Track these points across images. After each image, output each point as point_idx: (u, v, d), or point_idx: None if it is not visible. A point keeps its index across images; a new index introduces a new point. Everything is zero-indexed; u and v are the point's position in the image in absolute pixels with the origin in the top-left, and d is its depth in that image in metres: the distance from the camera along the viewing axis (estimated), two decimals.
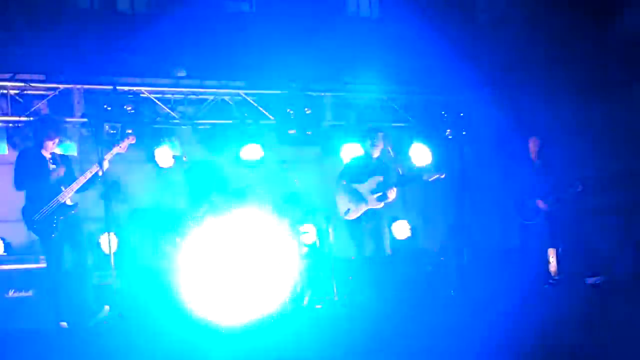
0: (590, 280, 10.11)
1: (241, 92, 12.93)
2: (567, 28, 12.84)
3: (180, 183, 12.33)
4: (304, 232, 11.94)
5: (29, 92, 11.79)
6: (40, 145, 9.11)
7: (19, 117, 11.55)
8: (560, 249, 10.70)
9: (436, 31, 12.86)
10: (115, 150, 9.29)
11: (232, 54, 12.33)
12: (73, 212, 9.04)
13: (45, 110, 11.83)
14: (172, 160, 12.18)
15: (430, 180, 10.03)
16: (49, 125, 9.21)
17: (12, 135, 11.58)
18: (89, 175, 9.06)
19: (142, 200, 12.21)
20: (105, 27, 11.38)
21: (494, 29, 13.25)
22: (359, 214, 9.99)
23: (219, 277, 10.87)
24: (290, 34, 12.42)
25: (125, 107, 11.93)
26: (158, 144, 12.23)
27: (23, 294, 9.43)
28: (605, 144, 12.96)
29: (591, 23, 12.40)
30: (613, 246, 11.56)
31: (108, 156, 9.21)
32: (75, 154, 11.69)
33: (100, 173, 9.11)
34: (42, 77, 11.93)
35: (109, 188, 9.24)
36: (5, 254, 10.05)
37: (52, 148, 9.13)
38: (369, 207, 9.99)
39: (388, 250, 10.07)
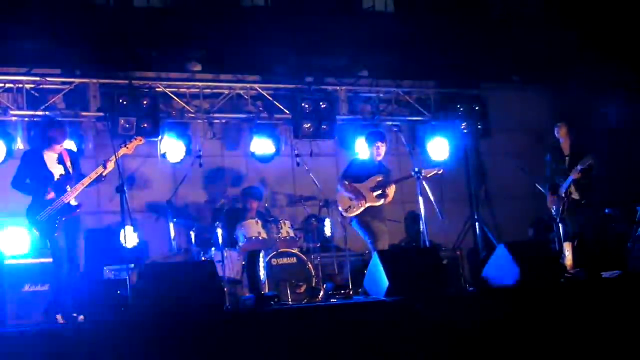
0: (607, 275, 10.03)
1: (257, 86, 12.94)
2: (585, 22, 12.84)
3: (196, 177, 12.35)
4: (319, 227, 11.94)
5: (45, 86, 11.84)
6: (46, 147, 9.13)
7: (35, 111, 11.59)
8: (576, 243, 10.64)
9: (451, 25, 12.83)
10: (122, 151, 9.26)
11: (248, 48, 12.33)
12: (76, 212, 9.05)
13: (61, 105, 11.89)
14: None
15: (428, 177, 10.00)
16: (58, 129, 9.22)
17: (28, 129, 11.63)
18: (94, 176, 9.06)
19: (157, 194, 12.23)
20: (121, 22, 11.39)
21: (508, 22, 13.22)
22: (359, 212, 10.01)
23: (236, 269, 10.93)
24: (306, 28, 12.40)
25: (140, 101, 11.96)
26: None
27: (39, 288, 9.45)
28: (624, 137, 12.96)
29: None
30: (630, 240, 11.51)
31: (114, 158, 9.21)
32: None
33: (104, 174, 9.12)
34: (57, 71, 11.98)
35: (125, 182, 9.22)
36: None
37: (58, 150, 9.16)
38: (369, 204, 10.01)
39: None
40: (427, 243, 9.92)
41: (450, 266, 11.84)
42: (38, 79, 11.73)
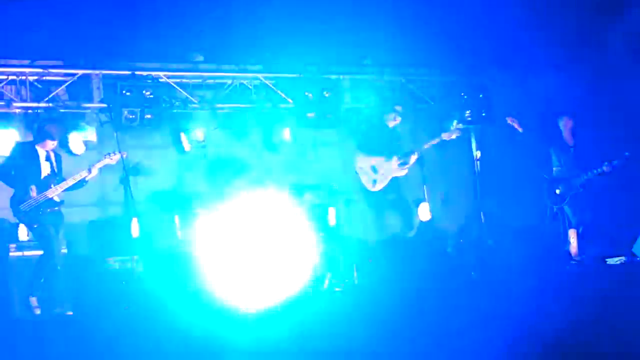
0: (611, 261, 10.04)
1: (260, 75, 12.91)
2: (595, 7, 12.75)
3: (201, 167, 12.35)
4: (324, 215, 11.93)
5: (48, 78, 11.82)
6: (39, 141, 9.20)
7: (38, 103, 11.58)
8: (581, 230, 10.64)
9: (454, 10, 12.76)
10: (106, 161, 9.48)
11: (250, 37, 12.29)
12: (57, 208, 9.19)
13: (64, 97, 11.87)
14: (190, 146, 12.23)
15: (448, 139, 10.01)
16: (55, 126, 9.31)
17: (31, 121, 11.61)
18: (78, 177, 9.24)
19: (161, 184, 12.24)
20: (122, 12, 11.36)
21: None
22: (385, 183, 9.89)
23: (237, 261, 10.93)
24: (309, 16, 12.35)
25: (143, 92, 11.95)
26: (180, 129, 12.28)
27: None
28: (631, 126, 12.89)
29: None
30: (634, 226, 11.49)
31: (98, 165, 9.38)
32: (94, 139, 11.74)
33: (87, 178, 9.27)
34: (60, 63, 11.96)
35: (129, 173, 9.26)
36: (28, 238, 10.11)
37: (50, 146, 9.23)
38: (393, 175, 9.91)
39: (413, 228, 10.05)
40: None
41: (455, 254, 11.84)
42: (41, 70, 11.70)
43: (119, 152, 9.58)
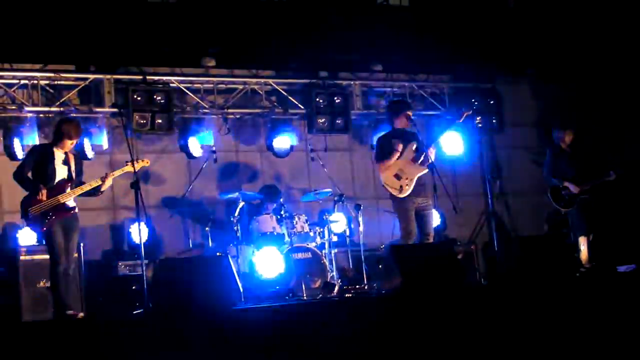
0: (622, 269, 10.02)
1: (271, 81, 12.94)
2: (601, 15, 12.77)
3: (211, 173, 12.36)
4: (334, 221, 11.93)
5: (59, 82, 11.85)
6: (57, 142, 9.11)
7: (50, 107, 11.61)
8: (591, 237, 10.62)
9: (466, 18, 12.78)
10: (126, 169, 9.27)
11: (262, 43, 12.31)
12: (71, 213, 9.05)
13: (75, 101, 11.90)
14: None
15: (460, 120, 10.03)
16: (72, 125, 9.22)
17: (43, 125, 11.63)
18: (94, 184, 9.10)
19: (171, 189, 12.25)
20: (134, 17, 11.38)
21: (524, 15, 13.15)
22: (412, 186, 9.78)
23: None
24: (320, 22, 12.37)
25: (155, 97, 11.98)
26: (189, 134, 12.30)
27: None
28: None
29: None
30: None
31: (116, 173, 9.26)
32: (105, 144, 11.78)
33: (103, 187, 9.16)
34: (72, 67, 11.99)
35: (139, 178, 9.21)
36: (37, 243, 10.11)
37: (68, 147, 9.14)
38: (418, 174, 9.81)
39: (431, 232, 10.00)
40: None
41: (465, 260, 11.84)
42: (52, 75, 11.74)
43: (141, 159, 9.52)
